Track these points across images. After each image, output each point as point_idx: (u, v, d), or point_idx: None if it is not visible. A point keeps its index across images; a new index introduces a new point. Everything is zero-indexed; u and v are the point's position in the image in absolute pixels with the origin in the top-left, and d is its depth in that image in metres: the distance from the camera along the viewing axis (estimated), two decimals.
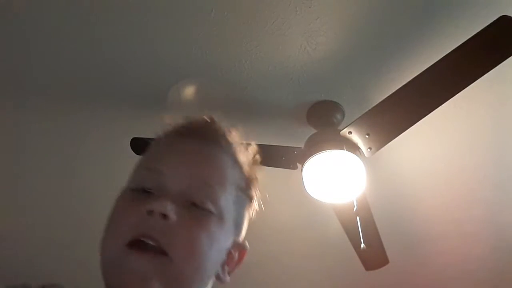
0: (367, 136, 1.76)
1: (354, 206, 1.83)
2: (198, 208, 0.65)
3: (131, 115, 1.95)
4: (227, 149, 0.73)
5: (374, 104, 1.68)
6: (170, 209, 0.62)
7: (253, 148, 0.78)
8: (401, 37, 1.71)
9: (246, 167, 0.75)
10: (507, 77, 1.86)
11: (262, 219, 2.80)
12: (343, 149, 1.75)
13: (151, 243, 0.60)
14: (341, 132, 1.76)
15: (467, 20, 1.63)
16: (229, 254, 0.71)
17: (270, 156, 1.87)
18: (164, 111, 1.92)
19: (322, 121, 1.92)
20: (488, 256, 2.81)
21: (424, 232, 2.64)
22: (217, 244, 0.66)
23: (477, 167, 2.25)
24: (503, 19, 1.38)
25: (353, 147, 1.78)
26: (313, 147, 1.80)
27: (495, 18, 1.39)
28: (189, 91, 1.88)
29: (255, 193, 0.77)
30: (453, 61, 1.49)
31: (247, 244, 0.74)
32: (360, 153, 1.80)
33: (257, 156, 0.78)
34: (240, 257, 0.73)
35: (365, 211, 1.96)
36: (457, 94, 1.58)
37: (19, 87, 1.86)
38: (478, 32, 1.43)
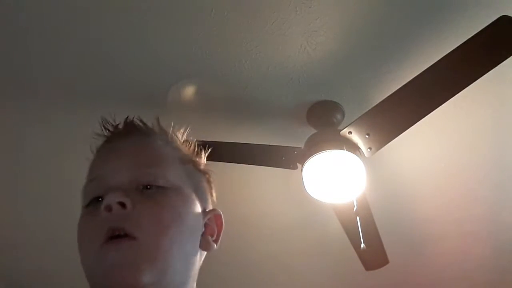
0: (367, 136, 1.76)
1: (354, 206, 1.83)
2: (151, 188, 0.66)
3: (131, 115, 1.95)
4: (152, 135, 0.74)
5: (374, 104, 1.68)
6: (123, 196, 0.63)
7: (177, 132, 0.79)
8: (401, 37, 1.71)
9: (180, 144, 0.76)
10: (507, 77, 1.86)
11: (262, 219, 2.81)
12: (343, 149, 1.75)
13: (121, 233, 0.62)
14: (341, 132, 1.76)
15: (467, 20, 1.63)
16: (206, 225, 0.72)
17: (270, 156, 1.87)
18: (164, 111, 1.93)
19: (322, 121, 1.92)
20: (488, 256, 2.81)
21: (424, 232, 2.64)
22: (184, 216, 0.67)
23: (477, 167, 2.25)
24: (503, 19, 1.38)
25: (353, 147, 1.78)
26: (313, 147, 1.80)
27: (495, 18, 1.39)
28: (189, 91, 1.88)
29: (203, 165, 0.78)
30: (453, 61, 1.50)
31: (218, 210, 0.75)
32: (360, 153, 1.80)
33: (185, 137, 0.79)
34: (219, 224, 0.74)
35: (365, 211, 1.96)
36: (457, 94, 1.58)
37: (18, 87, 1.86)
38: (478, 32, 1.43)
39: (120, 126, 0.76)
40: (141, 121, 0.76)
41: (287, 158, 1.87)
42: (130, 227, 0.62)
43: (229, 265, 2.75)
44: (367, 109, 1.69)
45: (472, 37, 1.44)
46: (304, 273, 2.91)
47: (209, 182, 0.78)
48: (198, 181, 0.74)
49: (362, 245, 1.90)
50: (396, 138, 1.76)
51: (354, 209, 1.83)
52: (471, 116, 2.02)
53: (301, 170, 1.85)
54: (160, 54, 1.75)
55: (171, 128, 0.78)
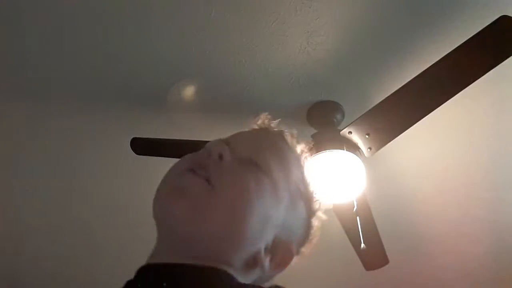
0: (367, 136, 1.76)
1: (354, 206, 1.83)
2: (255, 164, 0.65)
3: (131, 115, 1.95)
4: (296, 154, 0.74)
5: (374, 104, 1.68)
6: (226, 150, 0.64)
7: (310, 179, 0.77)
8: (401, 37, 1.71)
9: (309, 184, 0.74)
10: (507, 77, 1.86)
11: None
12: (343, 149, 1.75)
13: (203, 173, 0.62)
14: (341, 132, 1.76)
15: (467, 20, 1.63)
16: (274, 248, 0.67)
17: None
18: (164, 111, 1.93)
19: (322, 121, 1.92)
20: (488, 256, 2.81)
21: (424, 232, 2.64)
22: (263, 202, 0.63)
23: (477, 166, 2.25)
24: (503, 19, 1.38)
25: (353, 147, 1.78)
26: (313, 147, 1.80)
27: (495, 18, 1.39)
28: (189, 91, 1.88)
29: (314, 224, 0.74)
30: (453, 61, 1.49)
31: (293, 251, 0.70)
32: (360, 153, 1.80)
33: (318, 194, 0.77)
34: (284, 259, 0.69)
35: (365, 211, 1.96)
36: (457, 94, 1.58)
37: (18, 87, 1.86)
38: (478, 32, 1.43)
39: (279, 129, 0.77)
40: (295, 139, 0.76)
41: None
42: (215, 175, 0.62)
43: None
44: (367, 109, 1.69)
45: (472, 37, 1.44)
46: (303, 273, 2.91)
47: (305, 237, 0.73)
48: (297, 217, 0.71)
49: (362, 245, 1.89)
50: (396, 138, 1.76)
51: (354, 209, 1.83)
52: (471, 116, 2.02)
53: None
54: (160, 54, 1.75)
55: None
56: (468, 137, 2.11)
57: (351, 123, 1.73)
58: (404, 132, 1.73)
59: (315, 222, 0.74)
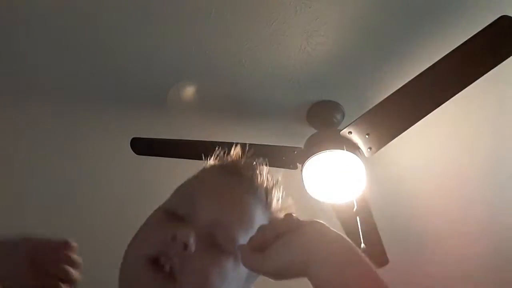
0: (367, 136, 1.76)
1: (354, 206, 1.83)
2: (218, 247, 0.68)
3: (131, 115, 1.95)
4: (262, 198, 0.76)
5: (374, 104, 1.68)
6: (192, 241, 0.65)
7: (289, 201, 0.81)
8: (401, 37, 1.71)
9: (276, 215, 0.77)
10: (507, 77, 1.86)
11: None
12: (343, 149, 1.75)
13: (166, 266, 0.64)
14: (341, 132, 1.76)
15: (467, 20, 1.63)
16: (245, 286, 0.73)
17: (270, 156, 1.85)
18: (164, 111, 1.93)
19: (322, 121, 1.92)
20: (488, 256, 2.80)
21: (424, 232, 2.64)
22: (228, 284, 0.68)
23: (477, 167, 2.25)
24: (503, 19, 1.38)
25: (353, 147, 1.78)
26: (313, 147, 1.80)
27: (495, 18, 1.39)
28: (189, 91, 1.88)
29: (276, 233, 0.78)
30: (453, 61, 1.49)
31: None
32: (360, 153, 1.80)
33: (292, 208, 0.81)
34: None
35: (365, 211, 1.96)
36: (457, 94, 1.58)
37: (19, 88, 1.86)
38: (478, 32, 1.43)
39: (239, 163, 0.79)
40: (262, 175, 0.79)
41: (287, 158, 1.87)
42: (178, 268, 0.64)
43: None
44: (367, 109, 1.69)
45: (472, 37, 1.44)
46: None
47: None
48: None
49: (362, 245, 1.89)
50: (396, 138, 1.76)
51: (354, 209, 1.83)
52: (471, 116, 2.02)
53: (301, 170, 1.85)
54: (160, 54, 1.75)
55: (279, 194, 0.80)
56: (468, 137, 2.11)
57: (351, 123, 1.73)
58: (404, 132, 1.73)
59: None
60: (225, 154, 0.81)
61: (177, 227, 0.66)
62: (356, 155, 1.77)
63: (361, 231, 1.91)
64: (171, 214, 0.70)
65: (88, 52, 1.73)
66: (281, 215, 0.78)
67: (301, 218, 0.61)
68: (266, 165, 0.83)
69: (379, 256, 2.22)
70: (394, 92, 1.63)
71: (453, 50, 1.48)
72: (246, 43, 1.70)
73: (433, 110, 1.64)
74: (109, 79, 1.83)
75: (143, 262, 0.64)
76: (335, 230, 0.58)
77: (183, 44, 1.71)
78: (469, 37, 1.44)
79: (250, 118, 1.98)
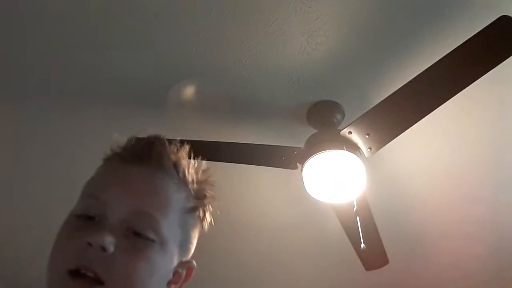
0: (367, 136, 1.76)
1: (354, 206, 1.83)
2: (139, 237, 0.66)
3: (131, 115, 1.95)
4: (171, 173, 0.73)
5: (374, 104, 1.68)
6: (108, 242, 0.63)
7: (200, 163, 0.78)
8: (401, 37, 1.71)
9: (194, 186, 0.74)
10: (507, 77, 1.86)
11: (262, 219, 2.81)
12: (343, 149, 1.75)
13: (89, 274, 0.62)
14: (341, 132, 1.76)
15: (467, 20, 1.63)
16: (176, 273, 0.71)
17: (270, 156, 1.87)
18: (164, 111, 1.93)
19: (322, 121, 1.92)
20: (488, 256, 2.81)
21: (424, 232, 2.64)
22: (158, 271, 0.67)
23: (477, 167, 2.25)
24: (503, 19, 1.38)
25: (353, 147, 1.78)
26: (313, 147, 1.80)
27: (495, 18, 1.39)
28: (189, 91, 1.88)
29: (207, 209, 0.77)
30: (453, 61, 1.49)
31: (194, 262, 0.74)
32: (360, 153, 1.80)
33: (207, 172, 0.77)
34: (188, 274, 0.74)
35: (365, 211, 1.96)
36: (457, 94, 1.58)
37: (19, 88, 1.86)
38: (478, 32, 1.43)
39: (143, 148, 0.75)
40: (165, 149, 0.75)
41: (287, 158, 1.87)
42: (102, 272, 0.62)
43: (229, 265, 2.76)
44: (367, 109, 1.69)
45: (472, 37, 1.44)
46: (304, 273, 2.91)
47: (201, 228, 0.77)
48: (189, 231, 0.74)
49: (362, 245, 1.89)
50: (396, 138, 1.76)
51: (354, 209, 1.83)
52: (471, 116, 2.02)
53: (301, 170, 1.85)
54: (160, 54, 1.75)
55: (190, 164, 0.76)
56: (468, 137, 2.11)
57: (351, 123, 1.73)
58: (404, 132, 1.73)
59: (208, 208, 0.77)
60: (120, 145, 0.78)
61: (91, 231, 0.64)
62: (356, 155, 1.77)
63: (361, 231, 1.91)
64: (84, 218, 0.67)
65: (88, 52, 1.73)
66: (202, 186, 0.76)
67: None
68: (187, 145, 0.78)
69: (379, 256, 2.22)
70: (394, 92, 1.63)
71: (453, 50, 1.48)
72: (246, 43, 1.70)
73: (433, 110, 1.64)
74: (109, 79, 1.83)
75: (64, 277, 0.62)
76: None
77: (183, 44, 1.71)
78: (469, 37, 1.44)
79: (250, 118, 1.98)
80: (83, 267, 0.62)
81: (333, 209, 2.03)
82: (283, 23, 1.64)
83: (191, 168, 0.76)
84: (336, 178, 1.78)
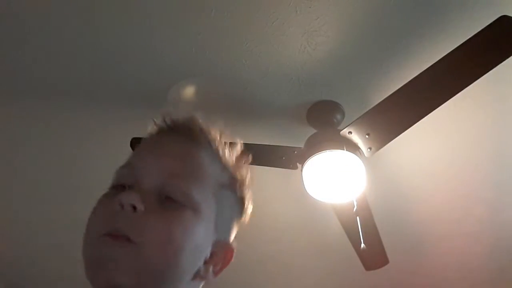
0: (367, 136, 1.76)
1: (354, 206, 1.83)
2: (170, 201, 0.66)
3: (131, 115, 1.95)
4: (206, 145, 0.73)
5: (374, 104, 1.68)
6: (138, 200, 0.63)
7: (239, 147, 0.78)
8: (401, 37, 1.71)
9: (230, 165, 0.74)
10: (507, 77, 1.86)
11: (262, 219, 2.81)
12: (343, 149, 1.75)
13: (122, 234, 0.62)
14: (341, 132, 1.76)
15: (467, 20, 1.63)
16: (213, 253, 0.70)
17: (270, 156, 1.87)
18: (165, 111, 1.93)
19: (322, 121, 1.92)
20: (488, 256, 2.81)
21: (424, 232, 2.64)
22: (192, 237, 0.65)
23: (477, 167, 2.25)
24: (503, 19, 1.38)
25: (353, 147, 1.78)
26: (313, 147, 1.80)
27: (495, 18, 1.39)
28: (189, 91, 1.88)
29: (246, 194, 0.77)
30: (453, 61, 1.50)
31: (234, 244, 0.73)
32: (360, 153, 1.80)
33: (245, 156, 0.78)
34: (227, 258, 0.72)
35: (365, 211, 1.96)
36: (457, 94, 1.58)
37: (19, 88, 1.86)
38: (478, 32, 1.43)
39: (179, 122, 0.74)
40: (199, 124, 0.74)
41: (287, 158, 1.87)
42: (134, 233, 0.62)
43: (229, 265, 2.75)
44: (367, 109, 1.69)
45: (472, 37, 1.44)
46: (304, 273, 2.91)
47: (241, 213, 0.76)
48: (226, 210, 0.73)
49: (362, 245, 1.89)
50: (396, 138, 1.76)
51: (354, 209, 1.83)
52: (471, 116, 2.02)
53: (301, 170, 1.85)
54: (160, 54, 1.75)
55: (231, 145, 0.76)
56: (468, 137, 2.11)
57: (351, 123, 1.73)
58: (404, 132, 1.73)
59: (247, 193, 0.77)
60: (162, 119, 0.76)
61: (122, 194, 0.64)
62: (356, 155, 1.77)
63: (361, 231, 1.91)
64: (119, 187, 0.68)
65: (88, 52, 1.73)
66: (239, 166, 0.76)
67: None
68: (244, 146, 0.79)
69: (379, 256, 2.22)
70: (394, 92, 1.63)
71: (453, 50, 1.48)
72: (246, 43, 1.70)
73: (433, 110, 1.64)
74: (109, 79, 1.83)
75: (99, 239, 0.62)
76: None
77: (183, 44, 1.71)
78: (469, 37, 1.44)
79: (250, 118, 1.98)
80: (115, 230, 0.62)
81: (333, 209, 2.03)
82: (283, 23, 1.64)
83: (226, 148, 0.75)
84: (336, 178, 1.78)
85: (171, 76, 1.82)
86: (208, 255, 0.69)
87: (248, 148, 0.83)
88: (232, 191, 0.74)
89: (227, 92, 1.88)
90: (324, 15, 1.62)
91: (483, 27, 1.42)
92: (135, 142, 1.85)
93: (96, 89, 1.87)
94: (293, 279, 2.95)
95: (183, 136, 0.72)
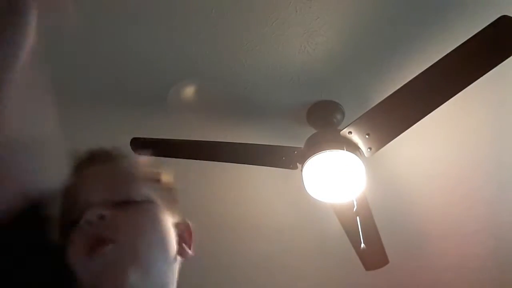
0: (367, 136, 1.76)
1: (354, 206, 1.83)
2: (127, 203, 0.71)
3: (131, 115, 1.95)
4: (122, 160, 0.79)
5: (374, 104, 1.68)
6: (102, 208, 0.67)
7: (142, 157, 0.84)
8: (401, 37, 1.71)
9: (143, 165, 0.81)
10: (507, 77, 1.86)
11: (262, 219, 2.81)
12: (343, 149, 1.75)
13: (103, 242, 0.65)
14: (341, 132, 1.76)
15: (467, 20, 1.63)
16: (179, 235, 0.76)
17: (270, 156, 1.87)
18: (164, 111, 1.93)
19: (322, 121, 1.92)
20: (488, 256, 2.81)
21: (424, 232, 2.64)
22: (161, 223, 0.72)
23: (477, 167, 2.25)
24: (503, 19, 1.38)
25: (353, 147, 1.78)
26: (313, 147, 1.80)
27: (495, 18, 1.39)
28: (189, 91, 1.88)
29: (169, 182, 0.82)
30: (453, 61, 1.50)
31: (186, 219, 0.80)
32: (360, 153, 1.80)
33: (153, 164, 0.83)
34: (189, 232, 0.79)
35: (365, 211, 1.96)
36: (457, 94, 1.58)
37: None
38: (478, 32, 1.43)
39: (89, 154, 0.81)
40: (104, 150, 0.81)
41: (287, 158, 1.87)
42: (110, 233, 0.66)
43: (229, 265, 2.76)
44: (367, 109, 1.69)
45: (472, 37, 1.44)
46: (304, 273, 2.91)
47: (175, 197, 0.82)
48: (166, 196, 0.78)
49: (362, 245, 1.89)
50: (396, 138, 1.76)
51: (354, 209, 1.83)
52: (471, 116, 2.02)
53: (301, 170, 1.85)
54: (160, 54, 1.75)
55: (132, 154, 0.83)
56: (468, 137, 2.11)
57: (351, 123, 1.73)
58: (404, 132, 1.73)
59: (173, 186, 0.82)
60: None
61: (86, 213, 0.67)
62: (356, 155, 1.77)
63: (361, 231, 1.91)
64: (70, 223, 0.69)
65: (88, 52, 1.73)
66: (153, 171, 0.80)
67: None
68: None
69: (379, 256, 2.22)
70: (394, 92, 1.63)
71: (453, 50, 1.48)
72: (246, 43, 1.70)
73: (433, 110, 1.64)
74: (109, 79, 1.83)
75: (85, 259, 0.65)
76: None
77: (183, 44, 1.71)
78: (469, 37, 1.44)
79: (250, 118, 1.98)
80: (93, 239, 0.65)
81: (333, 209, 2.03)
82: (283, 23, 1.64)
83: (133, 158, 0.83)
84: (336, 178, 1.78)
85: (171, 76, 1.82)
86: (176, 237, 0.75)
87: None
88: (159, 182, 0.80)
89: (227, 92, 1.88)
90: (324, 15, 1.62)
91: (483, 27, 1.42)
92: (135, 142, 1.85)
93: (96, 89, 1.87)
94: (293, 279, 2.95)
95: (98, 162, 0.78)
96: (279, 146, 1.86)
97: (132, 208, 0.70)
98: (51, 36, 1.74)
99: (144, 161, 0.82)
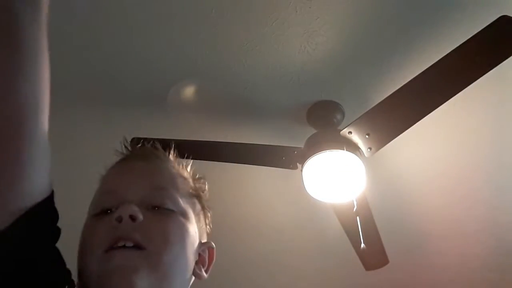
0: (367, 136, 1.76)
1: (354, 206, 1.83)
2: (162, 209, 0.70)
3: (131, 115, 1.95)
4: (169, 163, 0.80)
5: (374, 104, 1.68)
6: (136, 210, 0.67)
7: (188, 166, 0.84)
8: (401, 37, 1.71)
9: (189, 176, 0.81)
10: (507, 77, 1.86)
11: (262, 219, 2.81)
12: (343, 149, 1.75)
13: (127, 243, 0.65)
14: (341, 132, 1.76)
15: (467, 20, 1.63)
16: (199, 255, 0.76)
17: (270, 156, 1.87)
18: (164, 111, 1.93)
19: (322, 121, 1.92)
20: (488, 256, 2.81)
21: (424, 232, 2.64)
22: (188, 238, 0.71)
23: (477, 167, 2.25)
24: (503, 19, 1.38)
25: (353, 147, 1.78)
26: (313, 147, 1.80)
27: (495, 18, 1.39)
28: (189, 91, 1.88)
29: (206, 205, 0.82)
30: (453, 61, 1.50)
31: (212, 243, 0.80)
32: (360, 153, 1.80)
33: (197, 173, 0.84)
34: (211, 255, 0.78)
35: (365, 211, 1.96)
36: (457, 94, 1.58)
37: None
38: (478, 32, 1.43)
39: (140, 149, 0.82)
40: (157, 146, 0.82)
41: (287, 158, 1.87)
42: (140, 237, 0.65)
43: (229, 265, 2.75)
44: (367, 109, 1.69)
45: (472, 37, 1.44)
46: (304, 273, 2.91)
47: (207, 218, 0.82)
48: (199, 215, 0.79)
49: (362, 245, 1.90)
50: (396, 138, 1.76)
51: (354, 209, 1.83)
52: (471, 116, 2.02)
53: (301, 170, 1.85)
54: (160, 54, 1.75)
55: (182, 162, 0.83)
56: (468, 137, 2.11)
57: (351, 123, 1.73)
58: (404, 132, 1.73)
59: (206, 203, 0.83)
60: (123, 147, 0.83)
61: (115, 212, 0.67)
62: (356, 155, 1.77)
63: (361, 231, 1.91)
64: (102, 214, 0.70)
65: (87, 52, 1.73)
66: (196, 180, 0.82)
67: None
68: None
69: (379, 256, 2.22)
70: (394, 92, 1.63)
71: (453, 50, 1.48)
72: (246, 43, 1.70)
73: (433, 110, 1.64)
74: (109, 79, 1.83)
75: (103, 256, 0.64)
76: None
77: (183, 44, 1.71)
78: (469, 37, 1.44)
79: (250, 118, 1.98)
80: (119, 239, 0.65)
81: (333, 209, 2.03)
82: (283, 23, 1.64)
83: (184, 167, 0.83)
84: (336, 178, 1.78)
85: (171, 76, 1.82)
86: (197, 256, 0.75)
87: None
88: (198, 199, 0.80)
89: (227, 92, 1.88)
90: (324, 15, 1.62)
91: (483, 27, 1.42)
92: (135, 142, 1.85)
93: (96, 89, 1.87)
94: (293, 279, 2.95)
95: (148, 158, 0.78)
96: (279, 146, 1.86)
97: (166, 217, 0.70)
98: (50, 36, 1.73)
99: (190, 171, 0.82)
